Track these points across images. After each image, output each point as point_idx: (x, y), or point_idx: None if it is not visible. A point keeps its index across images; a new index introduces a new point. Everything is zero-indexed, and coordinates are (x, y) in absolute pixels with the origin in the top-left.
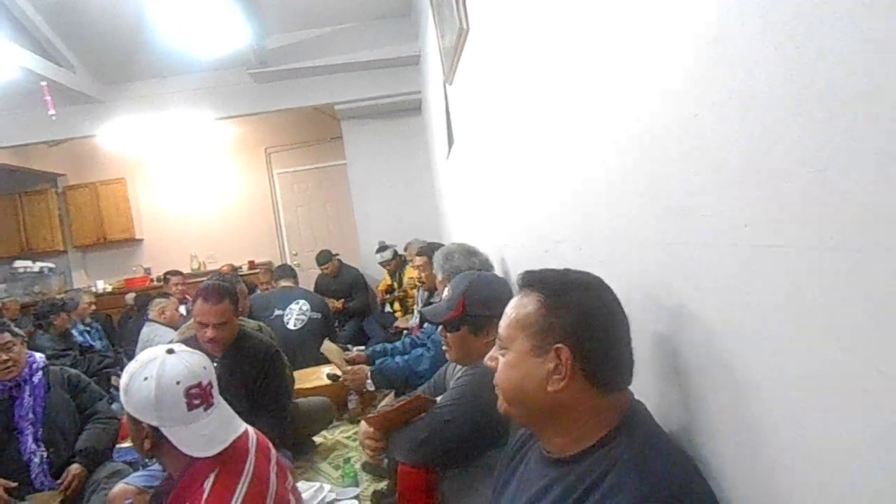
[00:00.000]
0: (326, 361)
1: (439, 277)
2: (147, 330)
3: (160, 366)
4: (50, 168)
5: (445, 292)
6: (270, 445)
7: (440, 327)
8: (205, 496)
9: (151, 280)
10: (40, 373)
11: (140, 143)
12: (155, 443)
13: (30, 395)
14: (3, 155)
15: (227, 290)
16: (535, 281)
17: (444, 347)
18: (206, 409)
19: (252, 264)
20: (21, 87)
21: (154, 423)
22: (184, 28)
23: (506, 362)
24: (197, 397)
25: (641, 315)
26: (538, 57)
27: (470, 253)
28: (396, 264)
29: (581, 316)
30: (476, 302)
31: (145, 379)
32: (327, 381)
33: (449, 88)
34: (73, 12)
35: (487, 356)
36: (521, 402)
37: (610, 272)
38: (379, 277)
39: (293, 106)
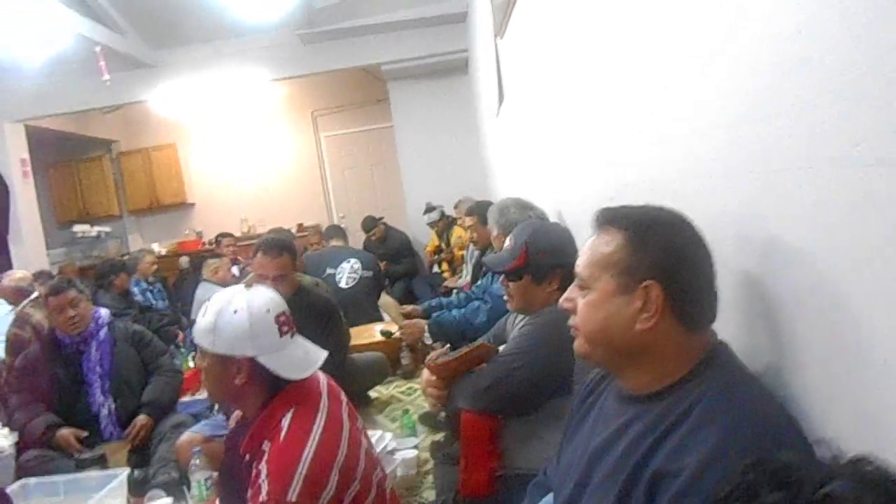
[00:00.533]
0: (379, 319)
1: (494, 233)
2: (202, 289)
3: (248, 297)
4: (104, 135)
5: (507, 242)
6: (339, 388)
7: (502, 277)
8: (283, 433)
9: (203, 243)
10: (106, 328)
11: (189, 108)
12: (248, 376)
13: (97, 350)
14: (60, 122)
15: (286, 244)
16: (616, 218)
17: (505, 297)
18: (292, 337)
19: (301, 227)
20: (75, 53)
21: (249, 354)
22: None
23: (588, 302)
24: (285, 324)
25: (725, 252)
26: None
27: (524, 206)
28: (444, 225)
29: (670, 252)
30: (538, 251)
31: (235, 312)
32: (381, 338)
33: (500, 43)
34: None
35: (563, 297)
36: (606, 343)
37: (689, 210)
38: (426, 239)
39: (340, 67)
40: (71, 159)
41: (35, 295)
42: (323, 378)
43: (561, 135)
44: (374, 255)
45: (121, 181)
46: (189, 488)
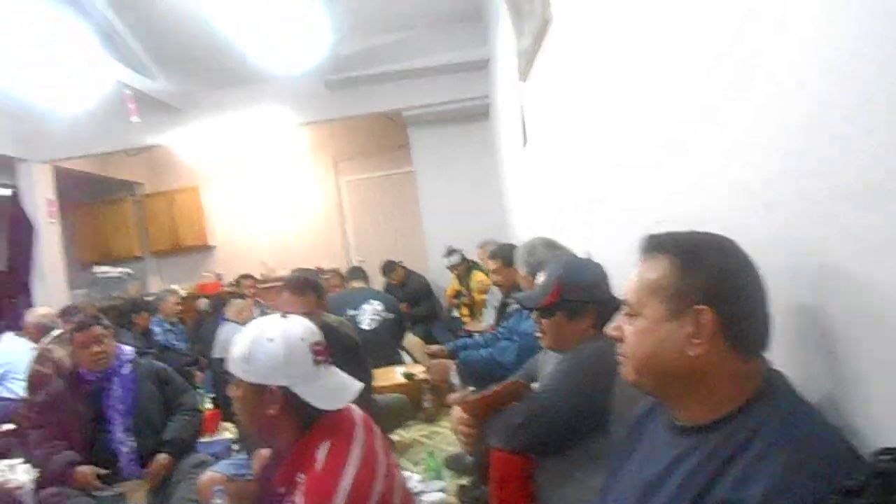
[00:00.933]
0: (400, 362)
1: (523, 272)
2: (225, 330)
3: (283, 326)
4: (128, 176)
5: (539, 278)
6: (372, 421)
7: (535, 313)
8: (319, 464)
9: (222, 286)
10: (129, 365)
11: (213, 152)
12: (282, 406)
13: (119, 387)
14: (85, 163)
15: (312, 283)
16: (662, 243)
17: (538, 334)
18: (327, 366)
19: (320, 270)
20: (104, 95)
21: (283, 384)
22: (261, 38)
23: (636, 329)
24: (320, 353)
25: (776, 281)
26: (633, 43)
27: (552, 246)
28: (464, 269)
29: (720, 276)
30: (571, 287)
31: (270, 340)
32: (403, 380)
33: (523, 86)
34: (152, 20)
35: (611, 326)
36: (656, 370)
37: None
38: (446, 283)
39: (364, 112)
40: (95, 200)
41: (57, 332)
42: (358, 410)
43: (589, 174)
44: (396, 297)
45: (143, 223)
46: None
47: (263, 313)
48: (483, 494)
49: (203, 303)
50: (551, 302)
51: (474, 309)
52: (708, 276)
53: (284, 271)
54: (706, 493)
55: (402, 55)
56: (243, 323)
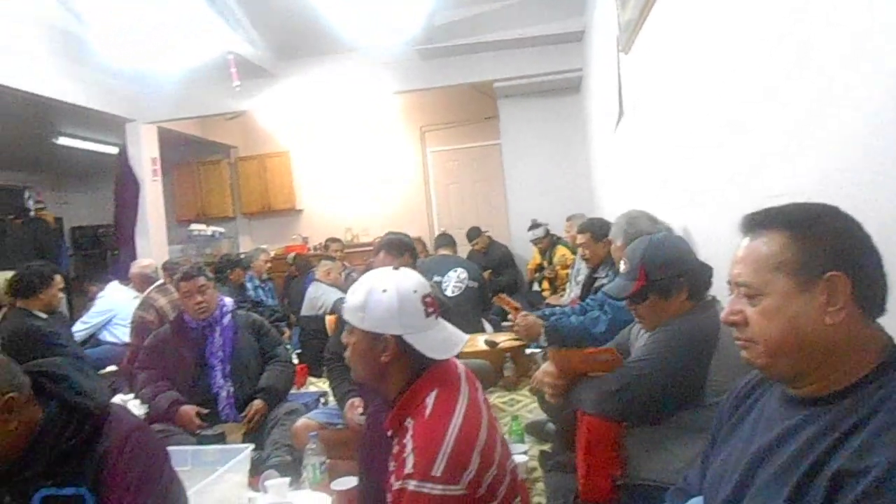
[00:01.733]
0: (481, 330)
1: (619, 243)
2: (313, 288)
3: (397, 278)
4: (224, 139)
5: (622, 266)
6: (474, 375)
7: (627, 302)
8: (428, 410)
9: (308, 249)
10: (229, 315)
11: (304, 118)
12: (394, 354)
13: (220, 335)
14: (186, 125)
15: (407, 245)
16: (770, 219)
17: (637, 322)
18: (436, 318)
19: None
20: (208, 61)
21: (397, 332)
22: (359, 7)
23: (764, 310)
24: (430, 305)
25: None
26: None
27: (652, 220)
28: (548, 243)
29: (842, 239)
30: (656, 266)
31: (384, 291)
32: (485, 348)
33: (623, 58)
34: None
35: (727, 311)
36: (796, 348)
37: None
38: (528, 256)
39: (455, 83)
40: (193, 161)
41: (160, 282)
42: (461, 364)
43: (692, 148)
44: (478, 265)
45: (237, 185)
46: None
47: (349, 275)
48: (567, 459)
49: (290, 257)
50: (640, 287)
51: (555, 283)
52: (832, 241)
53: (368, 237)
54: (823, 464)
55: (497, 25)
56: (331, 283)
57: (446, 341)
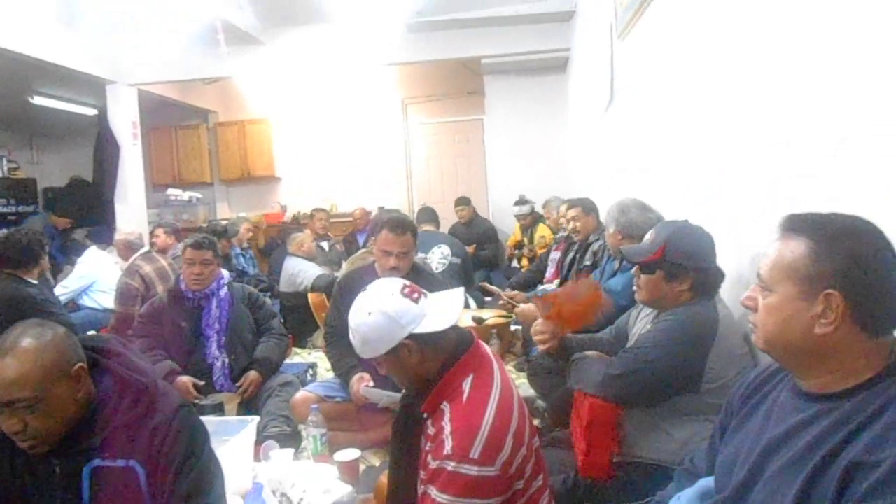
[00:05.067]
0: (465, 306)
1: (611, 230)
2: (290, 263)
3: (369, 298)
4: (203, 104)
5: (648, 236)
6: (501, 359)
7: (635, 267)
8: (465, 395)
9: (285, 217)
10: (226, 287)
11: (287, 87)
12: (418, 352)
13: (216, 307)
14: (163, 88)
15: (410, 224)
16: (802, 225)
17: (634, 287)
18: (424, 297)
19: (382, 210)
20: (192, 24)
21: (404, 335)
22: None
23: (767, 304)
24: (413, 292)
25: None
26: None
27: (645, 208)
28: (531, 220)
29: (853, 263)
30: (677, 251)
31: (369, 314)
32: (472, 324)
33: (618, 43)
34: None
35: (745, 296)
36: (784, 344)
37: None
38: (508, 232)
39: (443, 58)
40: (171, 125)
41: (145, 249)
42: (489, 348)
43: (687, 137)
44: (460, 237)
45: (215, 150)
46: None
47: (331, 247)
48: (562, 436)
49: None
50: (653, 259)
51: (535, 262)
52: (841, 262)
53: (347, 207)
54: (836, 456)
55: (487, 2)
56: (305, 255)
57: (445, 310)
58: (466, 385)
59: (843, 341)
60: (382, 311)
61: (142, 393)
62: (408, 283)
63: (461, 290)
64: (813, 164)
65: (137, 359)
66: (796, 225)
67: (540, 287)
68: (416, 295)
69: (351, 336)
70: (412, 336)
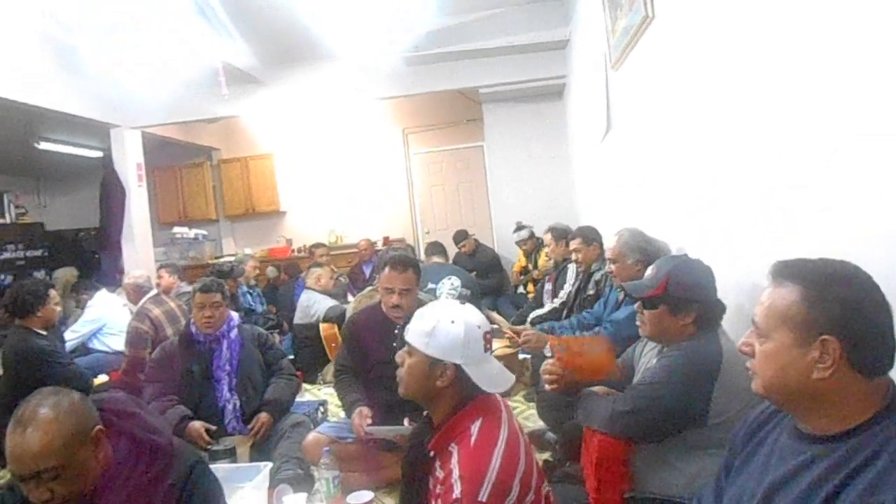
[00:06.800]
0: None
1: (629, 261)
2: (306, 296)
3: (464, 312)
4: (207, 142)
5: (649, 270)
6: (509, 405)
7: (638, 303)
8: (473, 438)
9: (292, 251)
10: (236, 329)
11: (289, 122)
12: (449, 381)
13: (227, 349)
14: (167, 129)
15: (412, 261)
16: (792, 272)
17: (638, 322)
18: (490, 354)
19: (387, 241)
20: (194, 66)
21: (458, 361)
22: (346, 15)
23: (765, 351)
24: (489, 342)
25: None
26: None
27: (646, 240)
28: (533, 245)
29: (846, 309)
30: (679, 284)
31: (452, 322)
32: None
33: (612, 73)
34: None
35: (742, 342)
36: (782, 389)
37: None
38: (512, 258)
39: (440, 89)
40: (175, 164)
41: (154, 292)
42: (499, 396)
43: (686, 170)
44: (465, 268)
45: (219, 187)
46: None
47: (337, 280)
48: (573, 471)
49: (272, 271)
50: (656, 294)
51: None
52: (834, 308)
53: (352, 239)
54: (836, 498)
55: (482, 34)
56: (322, 289)
57: (498, 376)
58: (475, 429)
59: (840, 384)
60: (463, 330)
61: (157, 453)
62: (491, 332)
63: (513, 377)
64: (805, 174)
65: (152, 418)
66: (786, 272)
67: (558, 324)
68: (488, 346)
69: (417, 315)
70: (458, 368)
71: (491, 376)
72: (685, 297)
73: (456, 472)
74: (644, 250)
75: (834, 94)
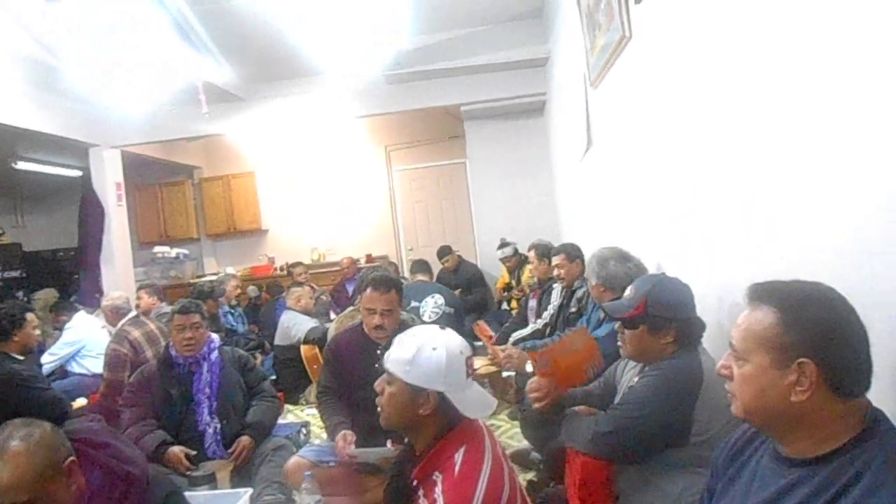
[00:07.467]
0: None
1: (593, 282)
2: (286, 317)
3: (446, 338)
4: (187, 160)
5: (628, 291)
6: (491, 430)
7: (618, 323)
8: (457, 467)
9: (275, 269)
10: (216, 351)
11: (270, 139)
12: (433, 409)
13: (207, 371)
14: (149, 148)
15: (394, 281)
16: (767, 295)
17: (619, 343)
18: (472, 380)
19: (370, 258)
20: (174, 85)
21: (440, 389)
22: (327, 33)
23: (743, 374)
24: (471, 367)
25: (878, 329)
26: (723, 65)
27: (624, 258)
28: (516, 262)
29: (823, 331)
30: (657, 304)
31: (434, 349)
32: None
33: (591, 91)
34: (222, 13)
35: (720, 364)
36: (761, 412)
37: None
38: (496, 274)
39: (421, 106)
40: (155, 182)
41: (133, 314)
42: (482, 421)
43: (665, 187)
44: (448, 284)
45: (201, 205)
46: None
47: (319, 298)
48: (559, 491)
49: (252, 290)
50: (635, 315)
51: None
52: (810, 330)
53: (335, 257)
54: None
55: (463, 52)
56: (303, 310)
57: (480, 402)
58: (458, 457)
59: (818, 407)
60: (445, 357)
61: (132, 484)
62: (472, 357)
63: (495, 402)
64: (787, 183)
65: (126, 448)
66: (762, 295)
67: (540, 342)
68: (470, 371)
69: (398, 342)
70: (441, 395)
71: (474, 402)
72: (664, 317)
73: (440, 501)
74: (600, 274)
75: (815, 104)
